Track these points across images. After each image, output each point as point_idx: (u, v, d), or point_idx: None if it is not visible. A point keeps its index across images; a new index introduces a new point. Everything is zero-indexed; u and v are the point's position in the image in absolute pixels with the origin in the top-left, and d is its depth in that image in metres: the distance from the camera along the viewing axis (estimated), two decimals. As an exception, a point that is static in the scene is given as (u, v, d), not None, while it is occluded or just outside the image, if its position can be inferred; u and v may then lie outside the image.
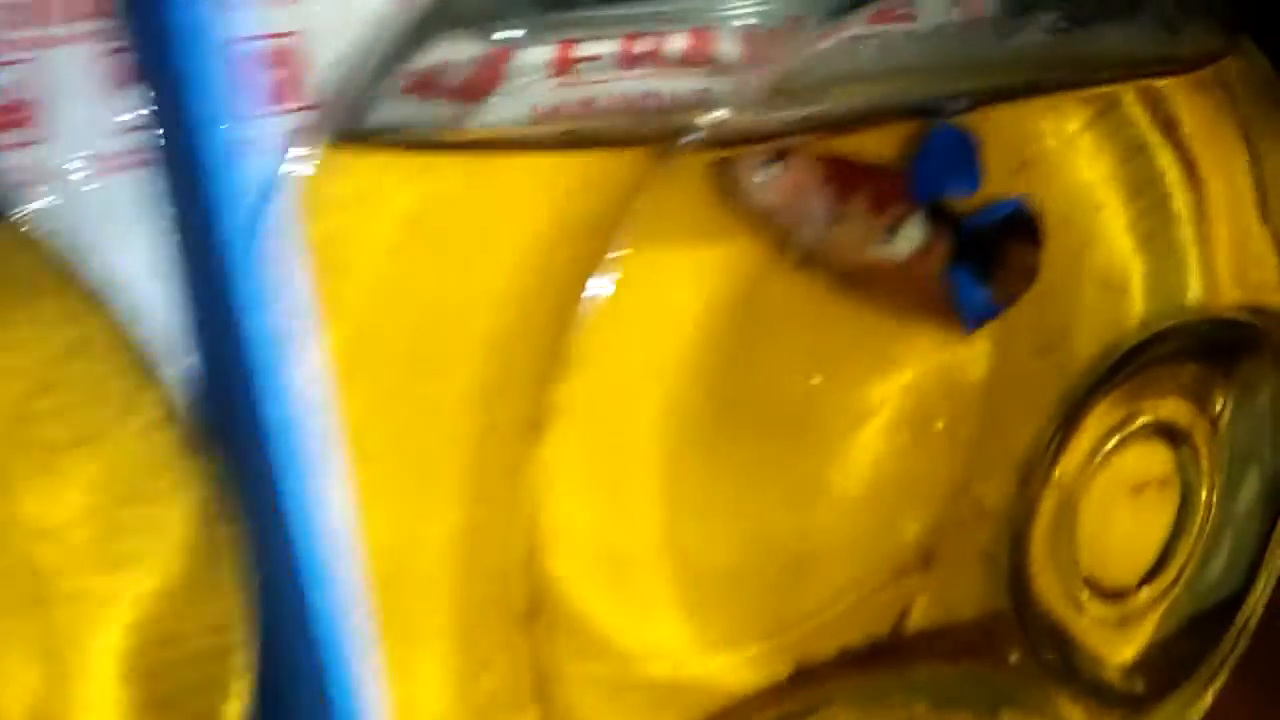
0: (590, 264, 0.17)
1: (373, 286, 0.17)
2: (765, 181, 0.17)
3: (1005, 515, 0.22)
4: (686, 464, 0.20)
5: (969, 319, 0.18)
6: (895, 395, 0.22)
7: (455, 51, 0.17)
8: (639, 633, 0.22)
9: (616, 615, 0.21)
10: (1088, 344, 0.21)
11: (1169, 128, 0.20)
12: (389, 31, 0.17)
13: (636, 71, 0.17)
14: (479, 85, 0.17)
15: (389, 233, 0.17)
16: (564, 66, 0.17)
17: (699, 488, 0.21)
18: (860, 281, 0.19)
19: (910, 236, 0.18)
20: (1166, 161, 0.21)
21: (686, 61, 0.18)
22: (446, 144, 0.18)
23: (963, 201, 0.18)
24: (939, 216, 0.18)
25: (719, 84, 0.17)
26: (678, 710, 0.23)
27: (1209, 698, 0.22)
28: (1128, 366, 0.21)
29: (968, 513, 0.23)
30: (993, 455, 0.22)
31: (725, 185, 0.18)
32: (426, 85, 0.17)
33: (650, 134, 0.17)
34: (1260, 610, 0.22)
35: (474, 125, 0.17)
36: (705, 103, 0.17)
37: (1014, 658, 0.23)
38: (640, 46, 0.17)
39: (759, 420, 0.21)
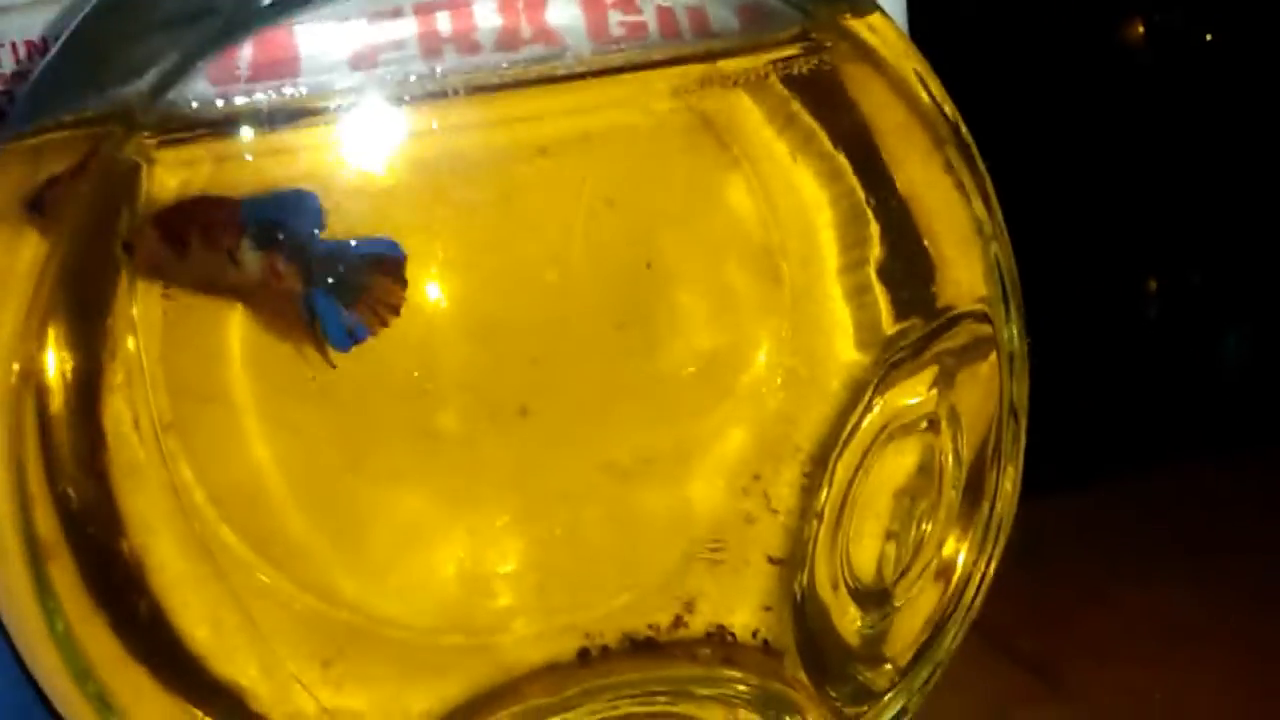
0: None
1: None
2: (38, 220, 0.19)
3: (792, 516, 0.23)
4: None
5: (335, 340, 0.20)
6: (682, 373, 0.23)
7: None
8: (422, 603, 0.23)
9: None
10: (846, 348, 0.23)
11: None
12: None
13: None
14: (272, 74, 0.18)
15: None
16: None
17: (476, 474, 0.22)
18: (251, 304, 0.20)
19: (252, 261, 0.19)
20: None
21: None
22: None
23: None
24: (277, 240, 0.19)
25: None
26: (462, 678, 0.23)
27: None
28: (894, 368, 0.23)
29: (755, 510, 0.24)
30: (781, 452, 0.24)
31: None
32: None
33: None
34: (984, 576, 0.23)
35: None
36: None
37: (790, 663, 0.24)
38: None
39: (546, 402, 0.22)
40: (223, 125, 0.17)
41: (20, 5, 0.24)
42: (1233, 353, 0.41)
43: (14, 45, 0.24)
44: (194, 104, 0.17)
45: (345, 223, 0.18)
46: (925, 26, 0.30)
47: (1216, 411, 0.37)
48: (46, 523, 0.18)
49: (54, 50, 0.19)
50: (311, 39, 0.18)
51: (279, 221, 0.19)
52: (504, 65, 0.18)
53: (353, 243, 0.19)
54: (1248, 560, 0.29)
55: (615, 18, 0.19)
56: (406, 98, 0.18)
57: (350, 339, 0.19)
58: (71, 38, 0.19)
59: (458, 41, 0.19)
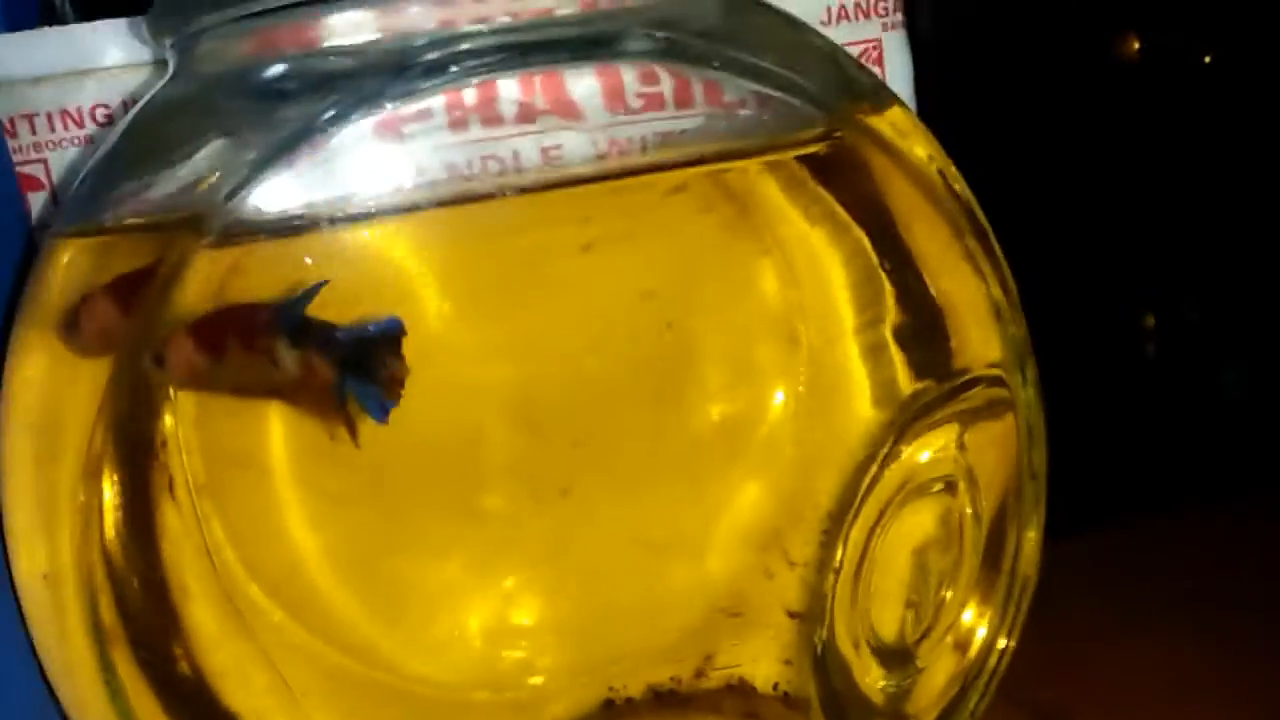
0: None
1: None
2: (77, 339, 0.19)
3: (811, 571, 0.24)
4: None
5: (377, 416, 0.21)
6: (708, 444, 0.24)
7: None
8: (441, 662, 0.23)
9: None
10: (863, 406, 0.24)
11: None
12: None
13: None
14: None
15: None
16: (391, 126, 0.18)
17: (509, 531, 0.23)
18: (292, 400, 0.21)
19: (290, 359, 0.20)
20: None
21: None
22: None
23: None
24: (309, 335, 0.20)
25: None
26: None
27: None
28: (907, 428, 0.23)
29: (777, 565, 0.24)
30: (800, 508, 0.24)
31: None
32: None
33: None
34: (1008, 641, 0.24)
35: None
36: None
37: (811, 717, 0.24)
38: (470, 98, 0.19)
39: (587, 482, 0.22)
40: (284, 230, 0.18)
41: (56, 76, 0.24)
42: (1232, 388, 0.41)
43: (48, 116, 0.25)
44: (262, 210, 0.17)
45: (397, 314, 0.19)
46: (927, 60, 0.31)
47: (1220, 449, 0.38)
48: (109, 611, 0.19)
49: (109, 144, 0.20)
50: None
51: (307, 319, 0.19)
52: (532, 151, 0.19)
53: (370, 326, 0.20)
54: (1254, 611, 0.30)
55: (634, 88, 0.20)
56: (456, 198, 0.19)
57: (385, 414, 0.20)
58: (127, 134, 0.19)
59: (482, 111, 0.19)
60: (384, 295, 0.20)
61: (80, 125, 0.25)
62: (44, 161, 0.25)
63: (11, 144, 0.25)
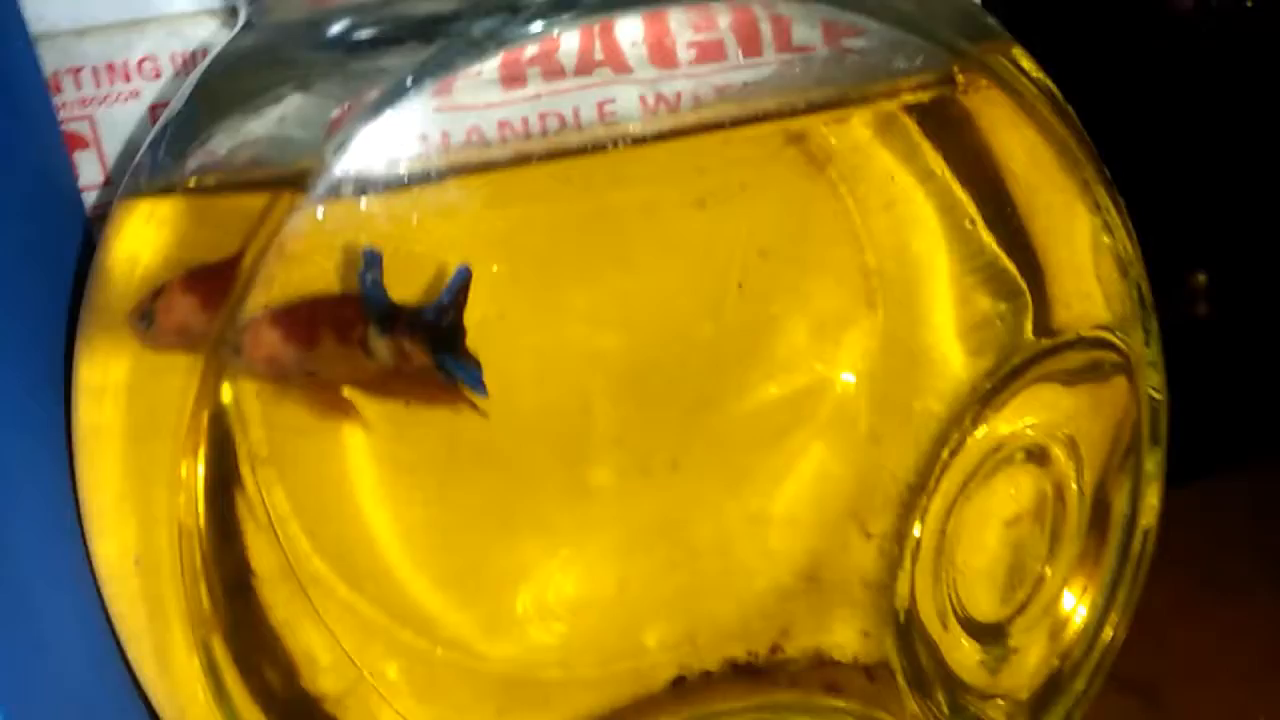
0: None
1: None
2: (151, 332, 0.18)
3: (889, 542, 0.23)
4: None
5: (478, 390, 0.20)
6: (782, 418, 0.23)
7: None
8: (518, 640, 0.22)
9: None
10: (954, 375, 0.23)
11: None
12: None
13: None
14: None
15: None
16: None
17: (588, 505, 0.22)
18: (386, 391, 0.20)
19: (382, 348, 0.19)
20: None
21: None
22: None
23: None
24: (396, 318, 0.19)
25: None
26: (559, 711, 0.23)
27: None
28: (994, 394, 0.22)
29: (853, 537, 0.24)
30: (878, 481, 0.23)
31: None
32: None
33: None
34: (1120, 633, 0.23)
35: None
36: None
37: (897, 692, 0.23)
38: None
39: (686, 439, 0.21)
40: (392, 186, 0.17)
41: (103, 27, 0.23)
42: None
43: (94, 70, 0.23)
44: (371, 167, 0.16)
45: (496, 280, 0.18)
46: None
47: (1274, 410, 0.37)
48: (206, 597, 0.18)
49: (182, 97, 0.18)
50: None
51: (393, 304, 0.18)
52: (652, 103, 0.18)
53: (444, 294, 0.19)
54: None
55: (685, 37, 0.19)
56: (560, 152, 0.17)
57: (481, 383, 0.19)
58: (203, 86, 0.18)
59: (542, 63, 0.18)
60: (481, 258, 0.19)
61: (128, 80, 0.23)
62: (89, 119, 0.24)
63: (56, 100, 0.23)
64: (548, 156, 0.18)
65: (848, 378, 0.23)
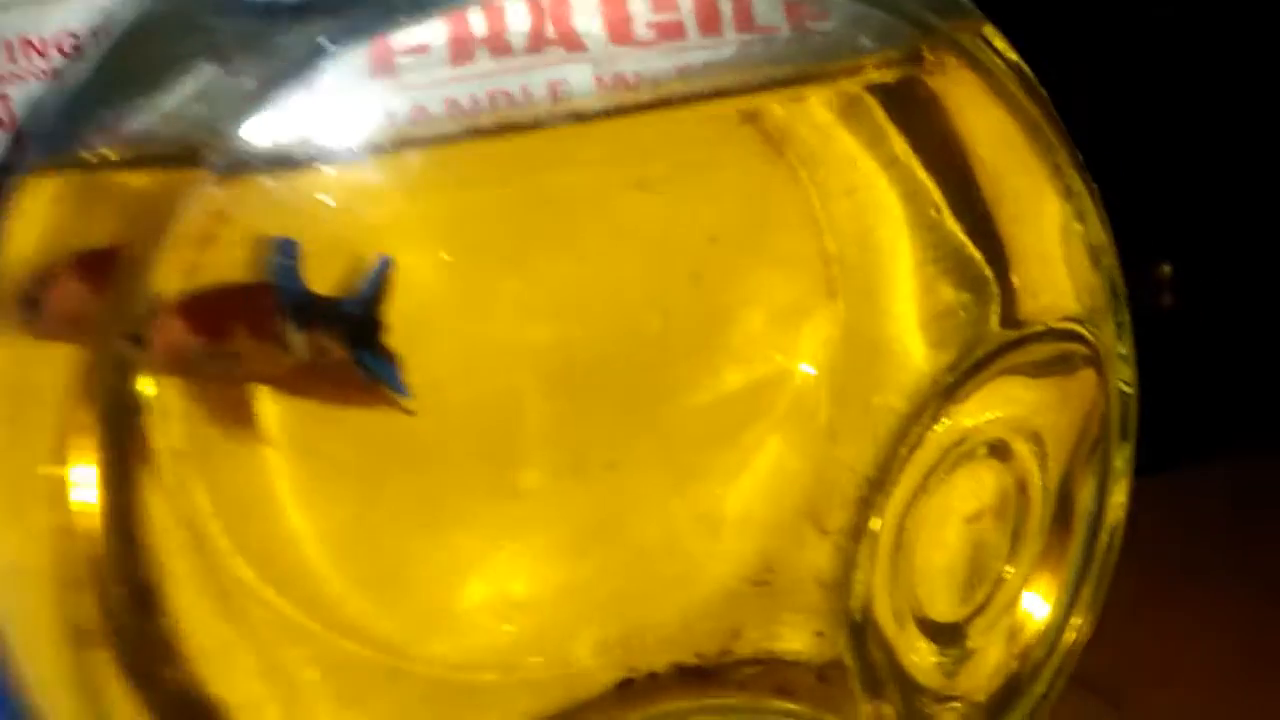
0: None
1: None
2: (38, 322, 0.17)
3: (845, 539, 0.22)
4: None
5: (398, 389, 0.19)
6: (738, 412, 0.22)
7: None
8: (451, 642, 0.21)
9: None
10: (916, 366, 0.22)
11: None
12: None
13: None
14: None
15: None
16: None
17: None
18: (305, 387, 0.19)
19: (298, 342, 0.18)
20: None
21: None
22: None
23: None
24: (312, 310, 0.18)
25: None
26: (497, 714, 0.22)
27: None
28: (957, 387, 0.22)
29: (808, 534, 0.23)
30: (835, 476, 0.22)
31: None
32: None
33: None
34: (1083, 634, 0.22)
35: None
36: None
37: (850, 694, 0.23)
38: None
39: (625, 437, 0.21)
40: (300, 165, 0.15)
41: (19, 1, 0.21)
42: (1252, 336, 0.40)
43: (9, 45, 0.22)
44: (267, 143, 0.15)
45: (428, 270, 0.17)
46: None
47: (1249, 397, 0.37)
48: (89, 608, 0.17)
49: (85, 68, 0.17)
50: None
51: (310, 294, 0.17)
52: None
53: (364, 286, 0.18)
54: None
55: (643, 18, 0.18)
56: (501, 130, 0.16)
57: (400, 381, 0.18)
58: (107, 56, 0.17)
59: (491, 43, 0.17)
60: (399, 245, 0.17)
61: (44, 55, 0.22)
62: (4, 98, 0.22)
63: (-36, 73, 0.22)
64: (488, 134, 0.17)
65: (807, 369, 0.22)
